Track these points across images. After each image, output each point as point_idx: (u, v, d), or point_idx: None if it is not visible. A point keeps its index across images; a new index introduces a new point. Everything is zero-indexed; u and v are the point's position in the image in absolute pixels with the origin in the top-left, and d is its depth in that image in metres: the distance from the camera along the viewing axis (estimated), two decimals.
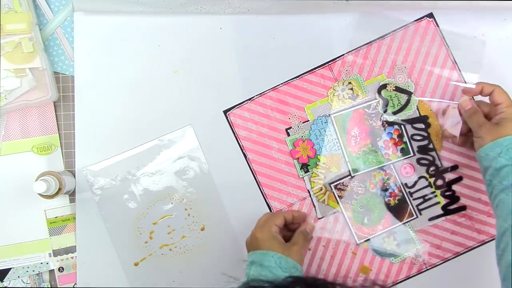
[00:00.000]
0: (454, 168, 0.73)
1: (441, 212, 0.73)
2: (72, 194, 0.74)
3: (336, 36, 0.73)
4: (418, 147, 0.73)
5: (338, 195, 0.73)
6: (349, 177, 0.73)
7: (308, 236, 0.69)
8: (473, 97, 0.69)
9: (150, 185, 0.74)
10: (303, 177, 0.73)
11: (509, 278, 0.52)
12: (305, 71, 0.73)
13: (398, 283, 0.73)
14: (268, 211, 0.74)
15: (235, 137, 0.74)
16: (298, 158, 0.73)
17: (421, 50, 0.73)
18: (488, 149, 0.60)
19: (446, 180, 0.73)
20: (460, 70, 0.73)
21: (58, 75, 0.74)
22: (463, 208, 0.73)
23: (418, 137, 0.73)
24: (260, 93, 0.74)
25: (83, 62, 0.74)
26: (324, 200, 0.73)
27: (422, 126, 0.73)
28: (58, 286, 0.75)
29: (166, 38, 0.74)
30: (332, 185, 0.73)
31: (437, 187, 0.73)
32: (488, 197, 0.62)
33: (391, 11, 0.72)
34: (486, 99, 0.67)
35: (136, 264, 0.74)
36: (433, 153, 0.73)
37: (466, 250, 0.73)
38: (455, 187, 0.73)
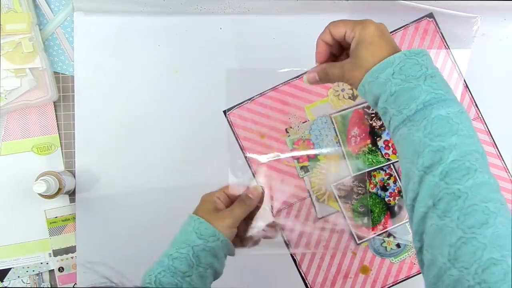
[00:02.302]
0: None
1: None
2: (72, 194, 0.74)
3: None
4: None
5: (338, 195, 0.73)
6: (349, 177, 0.73)
7: (249, 202, 0.64)
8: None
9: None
10: (303, 177, 0.73)
11: (421, 230, 0.43)
12: (305, 71, 0.73)
13: (398, 283, 0.73)
14: (269, 211, 0.73)
15: (235, 137, 0.74)
16: (298, 158, 0.73)
17: None
18: (378, 70, 0.46)
19: None
20: (460, 70, 0.73)
21: (58, 75, 0.74)
22: None
23: None
24: (260, 93, 0.74)
25: (83, 62, 0.74)
26: (324, 200, 0.73)
27: None
28: (58, 286, 0.75)
29: (166, 38, 0.74)
30: (332, 185, 0.73)
31: None
32: (386, 127, 0.49)
33: (391, 11, 0.72)
34: None
35: None
36: None
37: None
38: None
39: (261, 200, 0.67)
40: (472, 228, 0.38)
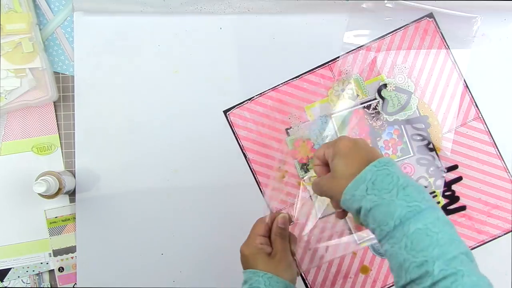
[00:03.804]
0: (454, 168, 0.73)
1: None
2: (72, 194, 0.74)
3: (336, 36, 0.73)
4: (418, 147, 0.73)
5: None
6: None
7: (284, 233, 0.64)
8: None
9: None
10: (303, 177, 0.73)
11: None
12: (305, 71, 0.73)
13: None
14: (268, 211, 0.74)
15: (235, 137, 0.74)
16: (298, 158, 0.73)
17: (421, 50, 0.73)
18: (353, 188, 0.48)
19: (446, 180, 0.73)
20: (460, 70, 0.73)
21: (58, 75, 0.74)
22: (463, 208, 0.73)
23: (418, 137, 0.73)
24: (260, 93, 0.74)
25: (83, 62, 0.74)
26: (324, 200, 0.73)
27: (422, 126, 0.73)
28: (58, 286, 0.75)
29: (166, 38, 0.74)
30: None
31: (437, 187, 0.73)
32: None
33: (391, 11, 0.72)
34: None
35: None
36: (433, 153, 0.73)
37: None
38: (455, 187, 0.73)
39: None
40: None
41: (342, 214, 0.55)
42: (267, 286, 0.56)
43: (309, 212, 0.73)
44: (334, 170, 0.51)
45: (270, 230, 0.64)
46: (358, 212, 0.48)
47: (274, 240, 0.62)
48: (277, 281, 0.57)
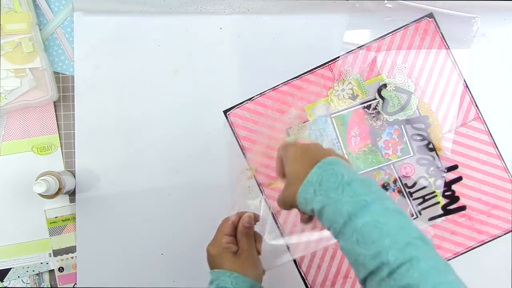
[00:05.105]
0: (454, 168, 0.73)
1: (441, 212, 0.73)
2: (72, 194, 0.74)
3: (336, 36, 0.73)
4: (418, 147, 0.73)
5: None
6: None
7: (249, 232, 0.63)
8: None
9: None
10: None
11: None
12: (305, 71, 0.73)
13: None
14: (268, 211, 0.74)
15: (235, 137, 0.74)
16: None
17: (421, 50, 0.73)
18: (303, 192, 0.48)
19: (446, 180, 0.73)
20: (460, 70, 0.73)
21: (58, 75, 0.74)
22: (463, 208, 0.73)
23: (418, 137, 0.73)
24: (260, 93, 0.74)
25: (83, 62, 0.74)
26: None
27: (422, 126, 0.73)
28: (58, 286, 0.75)
29: (166, 38, 0.74)
30: None
31: (437, 187, 0.73)
32: None
33: (391, 11, 0.72)
34: None
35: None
36: (433, 153, 0.73)
37: (466, 250, 0.73)
38: (455, 187, 0.73)
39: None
40: None
41: (307, 219, 0.54)
42: (233, 285, 0.56)
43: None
44: (287, 177, 0.52)
45: (236, 229, 0.63)
46: (312, 213, 0.49)
47: (240, 239, 0.62)
48: (244, 280, 0.57)
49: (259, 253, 0.65)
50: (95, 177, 0.74)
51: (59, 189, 0.67)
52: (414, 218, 0.73)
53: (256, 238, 0.65)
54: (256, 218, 0.65)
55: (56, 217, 0.74)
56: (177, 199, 0.74)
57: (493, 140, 0.73)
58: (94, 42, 0.74)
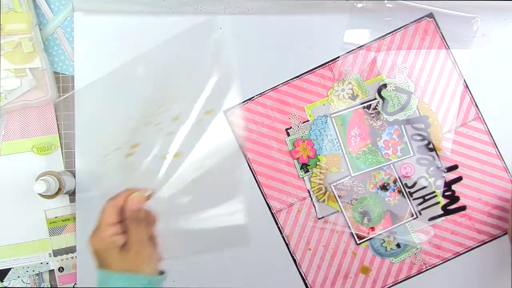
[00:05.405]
0: (454, 168, 0.73)
1: (441, 212, 0.73)
2: (72, 194, 0.74)
3: (336, 36, 0.73)
4: (418, 147, 0.73)
5: (338, 195, 0.73)
6: (349, 177, 0.73)
7: (139, 217, 0.53)
8: None
9: None
10: (303, 177, 0.73)
11: None
12: (305, 71, 0.73)
13: (398, 283, 0.73)
14: (268, 211, 0.73)
15: (235, 137, 0.74)
16: (298, 158, 0.73)
17: (421, 50, 0.73)
18: None
19: (446, 180, 0.73)
20: (460, 70, 0.73)
21: (58, 75, 0.74)
22: (463, 208, 0.73)
23: (418, 137, 0.73)
24: (260, 93, 0.74)
25: (83, 62, 0.74)
26: (324, 200, 0.73)
27: (422, 126, 0.73)
28: (58, 286, 0.75)
29: (166, 38, 0.74)
30: (332, 185, 0.73)
31: (437, 187, 0.73)
32: None
33: (391, 11, 0.72)
34: None
35: None
36: (433, 153, 0.73)
37: (466, 250, 0.73)
38: (455, 187, 0.73)
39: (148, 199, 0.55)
40: None
41: None
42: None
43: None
44: None
45: (122, 212, 0.53)
46: None
47: (128, 226, 0.52)
48: (137, 279, 0.50)
49: (154, 238, 0.55)
50: (95, 177, 0.74)
51: (59, 189, 0.67)
52: (414, 218, 0.73)
53: (149, 221, 0.55)
54: (148, 196, 0.54)
55: (56, 217, 0.74)
56: (177, 199, 0.74)
57: (493, 140, 0.73)
58: (94, 42, 0.74)
